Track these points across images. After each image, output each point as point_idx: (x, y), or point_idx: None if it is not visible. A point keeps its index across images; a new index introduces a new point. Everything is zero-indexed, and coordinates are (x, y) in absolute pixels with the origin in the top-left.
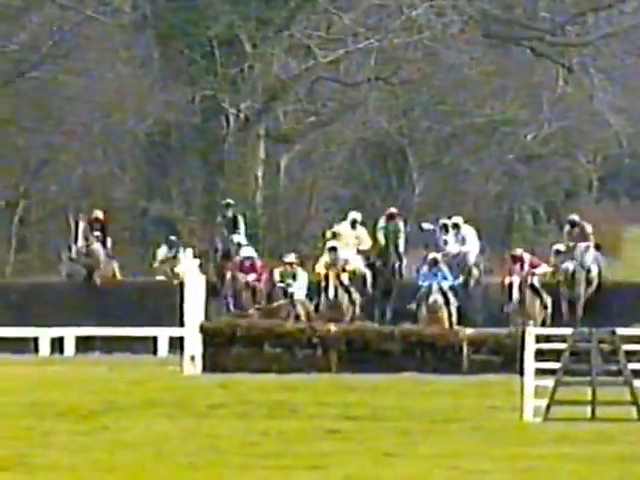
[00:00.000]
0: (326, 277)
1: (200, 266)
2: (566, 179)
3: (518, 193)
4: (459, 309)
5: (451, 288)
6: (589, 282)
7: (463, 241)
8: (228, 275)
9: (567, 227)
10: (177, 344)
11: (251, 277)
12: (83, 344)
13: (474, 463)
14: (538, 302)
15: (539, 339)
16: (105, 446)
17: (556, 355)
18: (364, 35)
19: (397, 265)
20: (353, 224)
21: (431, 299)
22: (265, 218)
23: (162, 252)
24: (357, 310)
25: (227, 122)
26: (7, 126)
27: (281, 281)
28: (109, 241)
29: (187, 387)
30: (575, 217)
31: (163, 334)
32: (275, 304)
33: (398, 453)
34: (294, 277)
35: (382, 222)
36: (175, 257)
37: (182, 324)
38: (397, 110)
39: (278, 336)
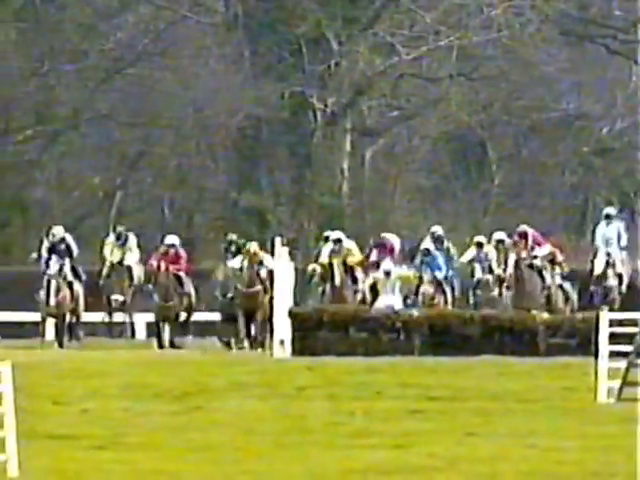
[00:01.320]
0: (330, 265)
1: (289, 254)
2: (639, 171)
3: (593, 184)
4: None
5: (445, 278)
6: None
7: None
8: (158, 263)
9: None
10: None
11: (174, 266)
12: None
13: (550, 441)
14: (539, 282)
15: (612, 323)
16: (198, 426)
17: (629, 338)
18: (445, 33)
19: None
20: (336, 242)
21: (421, 290)
22: (350, 208)
23: (109, 240)
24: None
25: (315, 117)
26: (106, 120)
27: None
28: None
29: (276, 370)
30: (524, 227)
31: None
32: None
33: (478, 432)
34: (261, 263)
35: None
36: (124, 245)
37: (271, 310)
38: (477, 105)
39: (363, 321)
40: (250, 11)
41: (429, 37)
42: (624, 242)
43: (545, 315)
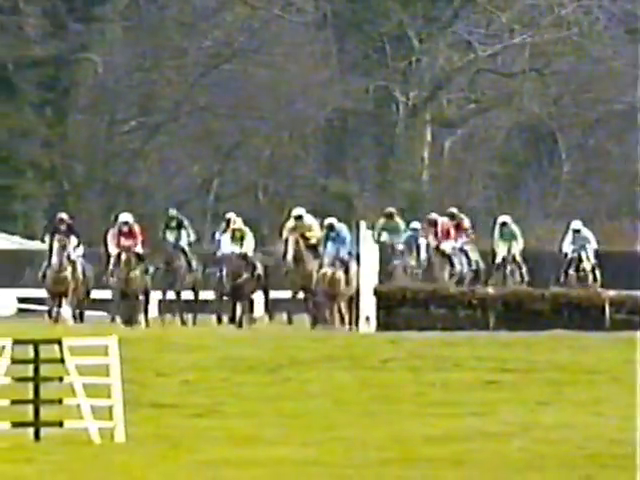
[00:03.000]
0: (286, 242)
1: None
2: None
3: None
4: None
5: (349, 254)
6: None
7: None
8: (114, 240)
9: (292, 221)
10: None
11: (129, 242)
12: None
13: (615, 410)
14: (447, 267)
15: None
16: (290, 395)
17: None
18: (519, 31)
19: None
20: (298, 218)
21: (322, 272)
22: (430, 194)
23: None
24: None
25: (397, 109)
26: (204, 113)
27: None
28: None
29: (362, 343)
30: (454, 209)
31: None
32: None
33: (548, 401)
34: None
35: (382, 222)
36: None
37: (358, 288)
38: (548, 98)
39: (442, 298)
40: (338, 11)
41: (504, 35)
42: None
43: (610, 292)
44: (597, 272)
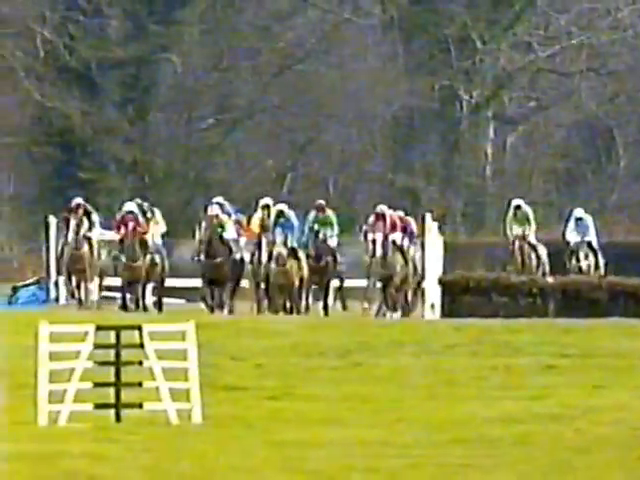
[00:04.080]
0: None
1: (439, 228)
2: None
3: None
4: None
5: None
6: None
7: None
8: (122, 227)
9: (313, 212)
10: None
11: (136, 232)
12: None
13: None
14: (399, 257)
15: None
16: (358, 379)
17: None
18: (577, 33)
19: (327, 257)
20: (264, 208)
21: (275, 252)
22: (493, 188)
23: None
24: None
25: (461, 107)
26: (278, 110)
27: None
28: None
29: (427, 330)
30: (322, 202)
31: None
32: (218, 260)
33: (605, 385)
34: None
35: (313, 214)
36: (151, 219)
37: (423, 277)
38: (605, 96)
39: (504, 287)
40: (404, 14)
41: (562, 37)
42: None
43: None
44: (600, 261)
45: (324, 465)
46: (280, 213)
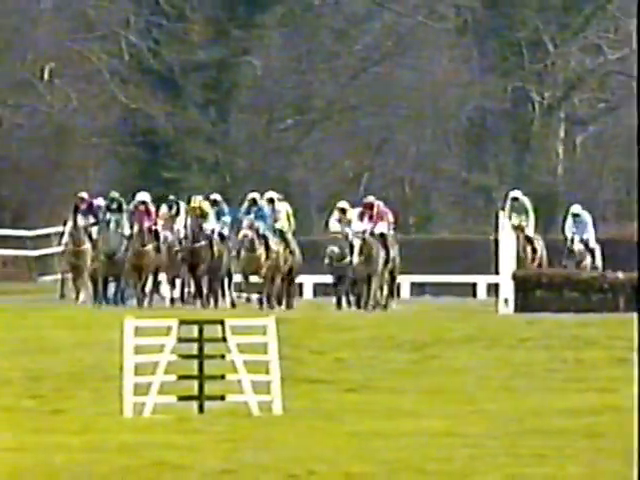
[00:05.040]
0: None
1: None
2: None
3: None
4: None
5: (276, 232)
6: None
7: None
8: (136, 216)
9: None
10: (493, 289)
11: (147, 222)
12: (416, 289)
13: None
14: (383, 253)
15: None
16: (434, 372)
17: None
18: None
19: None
20: (270, 201)
21: (240, 235)
22: (564, 186)
23: (163, 210)
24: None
25: (533, 108)
26: (354, 111)
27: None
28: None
29: (501, 324)
30: (371, 198)
31: (481, 281)
32: (197, 245)
33: None
34: (204, 217)
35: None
36: (177, 215)
37: (497, 272)
38: None
39: (575, 282)
40: (478, 18)
41: (631, 40)
42: None
43: None
44: (596, 256)
45: (401, 455)
46: (253, 201)
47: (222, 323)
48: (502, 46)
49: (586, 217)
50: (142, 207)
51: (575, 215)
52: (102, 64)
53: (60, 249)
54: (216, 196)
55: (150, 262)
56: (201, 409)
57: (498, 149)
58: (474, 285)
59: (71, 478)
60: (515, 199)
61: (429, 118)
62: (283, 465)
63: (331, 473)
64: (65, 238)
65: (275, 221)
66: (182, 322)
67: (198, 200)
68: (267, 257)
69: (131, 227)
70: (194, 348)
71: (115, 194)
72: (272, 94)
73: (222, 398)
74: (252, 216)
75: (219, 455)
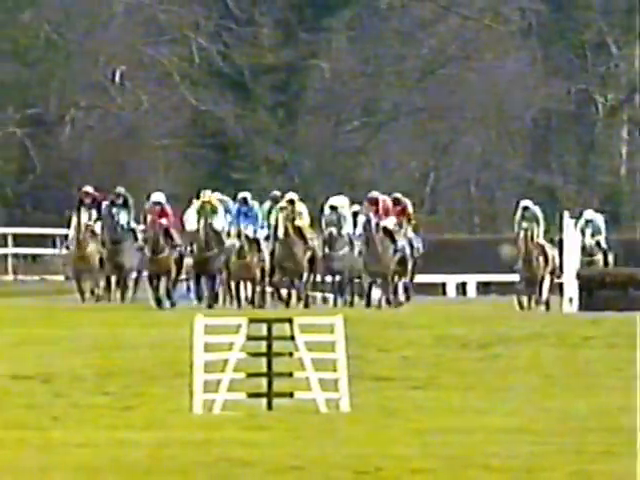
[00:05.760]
0: (275, 222)
1: (575, 225)
2: None
3: None
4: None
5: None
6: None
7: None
8: (149, 217)
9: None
10: (556, 288)
11: (163, 221)
12: (482, 288)
13: None
14: (391, 247)
15: None
16: (498, 370)
17: None
18: None
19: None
20: (290, 202)
21: (228, 243)
22: (627, 186)
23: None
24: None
25: (596, 110)
26: (421, 113)
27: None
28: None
29: (565, 322)
30: (398, 195)
31: (546, 280)
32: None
33: None
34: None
35: (268, 204)
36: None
37: (561, 271)
38: None
39: None
40: (542, 21)
41: None
42: None
43: None
44: (609, 260)
45: (466, 451)
46: (243, 201)
47: (291, 321)
48: (566, 49)
49: (599, 221)
50: (157, 208)
51: (588, 221)
52: (173, 67)
53: (64, 252)
54: (246, 194)
55: (166, 267)
56: (270, 406)
57: (562, 150)
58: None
59: (142, 474)
60: (526, 208)
61: (494, 119)
62: (350, 462)
63: (398, 469)
64: (69, 240)
65: (293, 220)
66: (251, 320)
67: (208, 195)
68: (259, 260)
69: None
70: (263, 346)
71: (121, 189)
72: (340, 96)
73: (290, 395)
74: (240, 221)
75: (287, 452)
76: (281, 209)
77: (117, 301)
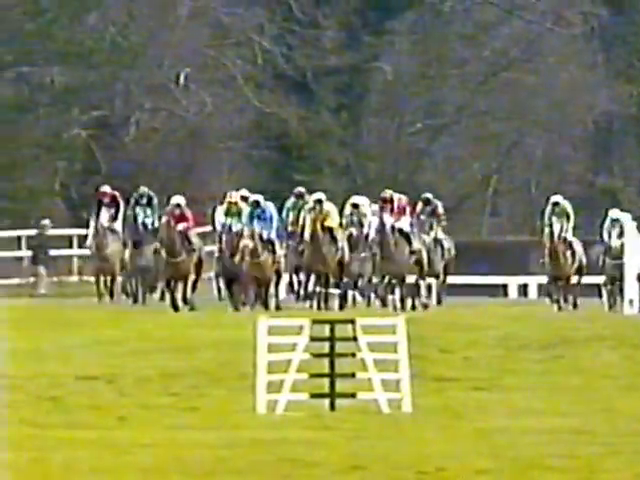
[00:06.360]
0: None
1: (637, 227)
2: None
3: None
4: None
5: (275, 236)
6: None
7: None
8: (163, 220)
9: (420, 205)
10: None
11: (181, 226)
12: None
13: None
14: (407, 248)
15: None
16: (560, 371)
17: None
18: None
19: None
20: (317, 202)
21: (241, 244)
22: None
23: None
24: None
25: None
26: (483, 116)
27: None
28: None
29: (626, 324)
30: (429, 195)
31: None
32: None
33: None
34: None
35: (292, 200)
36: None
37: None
38: None
39: None
40: (604, 25)
41: None
42: None
43: None
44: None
45: (528, 452)
46: (256, 204)
47: (353, 322)
48: (628, 52)
49: (625, 220)
50: (176, 212)
51: (614, 220)
52: (236, 69)
53: (83, 252)
54: (258, 197)
55: (184, 272)
56: (332, 406)
57: (624, 153)
58: (599, 286)
59: (206, 474)
60: (556, 204)
61: (556, 122)
62: (412, 462)
63: (460, 470)
64: (89, 240)
65: (324, 221)
66: (314, 321)
67: (234, 196)
68: (273, 262)
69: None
70: (326, 347)
71: (144, 189)
72: (402, 98)
73: (353, 396)
74: (254, 223)
75: (350, 451)
76: (309, 210)
77: (140, 303)
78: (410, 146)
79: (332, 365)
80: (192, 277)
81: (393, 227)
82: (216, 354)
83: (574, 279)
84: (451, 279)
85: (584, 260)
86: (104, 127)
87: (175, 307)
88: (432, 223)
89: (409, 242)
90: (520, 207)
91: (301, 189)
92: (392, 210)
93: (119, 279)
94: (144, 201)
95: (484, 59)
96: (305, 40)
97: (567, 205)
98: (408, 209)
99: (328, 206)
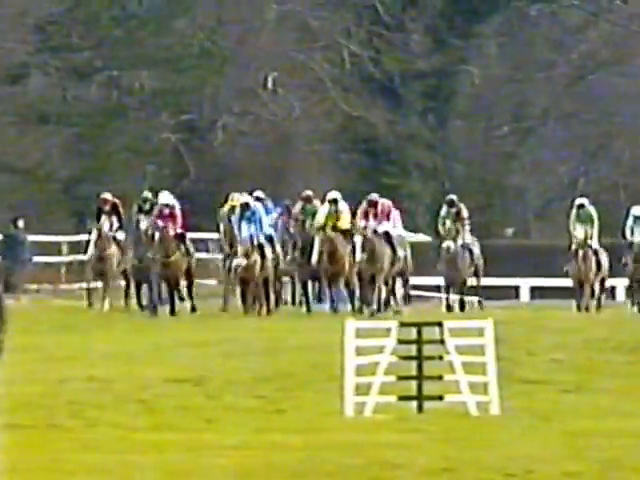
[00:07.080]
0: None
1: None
2: None
3: None
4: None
5: (269, 239)
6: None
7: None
8: (151, 218)
9: (445, 207)
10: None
11: (171, 230)
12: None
13: None
14: (389, 251)
15: None
16: None
17: None
18: None
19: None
20: (332, 202)
21: (234, 263)
22: None
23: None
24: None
25: None
26: (570, 119)
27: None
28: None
29: None
30: (453, 197)
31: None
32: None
33: None
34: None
35: (300, 205)
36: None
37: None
38: None
39: None
40: None
41: None
42: None
43: None
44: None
45: (616, 454)
46: (245, 206)
47: (440, 325)
48: None
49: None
50: (166, 211)
51: (637, 217)
52: (324, 73)
53: (86, 257)
54: (247, 199)
55: (178, 270)
56: (420, 409)
57: None
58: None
59: (294, 476)
60: (581, 206)
61: None
62: (501, 464)
63: (548, 472)
64: (90, 248)
65: (337, 220)
66: (402, 324)
67: (236, 198)
68: (262, 267)
69: (151, 234)
70: (413, 349)
71: (148, 194)
72: (489, 102)
73: (440, 398)
74: (243, 225)
75: (438, 454)
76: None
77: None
78: (497, 149)
79: (420, 367)
80: (184, 282)
81: (375, 230)
82: (304, 357)
83: (596, 287)
84: (538, 281)
85: (607, 269)
86: (192, 131)
87: (142, 308)
88: (458, 229)
89: (392, 246)
90: (608, 210)
91: (309, 192)
92: (376, 214)
93: (121, 283)
94: (147, 207)
95: (571, 62)
96: (392, 44)
97: (592, 209)
98: (396, 213)
99: (341, 205)
